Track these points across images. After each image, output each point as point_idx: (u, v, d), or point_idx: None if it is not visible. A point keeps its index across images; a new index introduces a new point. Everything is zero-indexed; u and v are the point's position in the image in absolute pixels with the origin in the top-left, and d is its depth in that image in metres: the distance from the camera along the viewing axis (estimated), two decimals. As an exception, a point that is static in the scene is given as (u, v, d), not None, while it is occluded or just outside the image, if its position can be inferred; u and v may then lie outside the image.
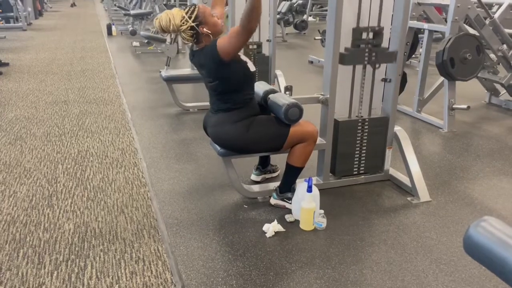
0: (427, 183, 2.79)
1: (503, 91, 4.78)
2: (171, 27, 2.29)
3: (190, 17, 2.29)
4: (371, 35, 2.65)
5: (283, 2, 10.49)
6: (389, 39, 2.73)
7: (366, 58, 2.65)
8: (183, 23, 2.29)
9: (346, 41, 2.62)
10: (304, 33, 10.76)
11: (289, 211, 2.49)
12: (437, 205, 2.63)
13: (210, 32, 2.32)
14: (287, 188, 2.55)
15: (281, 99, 2.46)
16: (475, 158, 3.35)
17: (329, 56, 2.59)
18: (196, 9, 2.30)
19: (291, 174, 2.53)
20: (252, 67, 2.40)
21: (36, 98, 4.82)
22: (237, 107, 2.38)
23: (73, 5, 18.72)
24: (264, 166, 2.92)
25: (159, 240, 2.24)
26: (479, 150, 3.52)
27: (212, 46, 2.27)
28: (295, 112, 2.38)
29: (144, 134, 3.77)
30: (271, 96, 2.56)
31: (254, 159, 2.91)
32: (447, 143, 3.69)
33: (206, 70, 2.37)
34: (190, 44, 2.42)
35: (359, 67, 2.74)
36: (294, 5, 10.41)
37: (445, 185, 2.90)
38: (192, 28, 2.30)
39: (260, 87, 2.68)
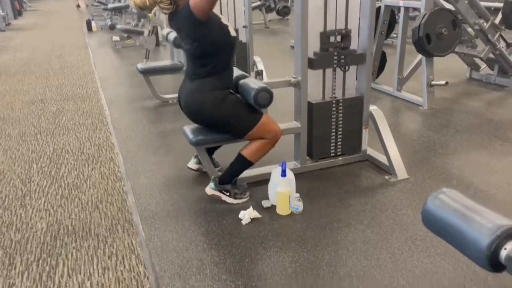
0: (405, 161, 2.77)
1: (483, 65, 4.77)
2: (147, 2, 2.18)
3: None
4: (338, 38, 2.64)
5: (264, -12, 10.37)
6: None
7: (335, 61, 2.65)
8: None
9: (314, 46, 2.63)
10: (287, 19, 10.65)
11: (261, 197, 2.45)
12: (414, 182, 2.62)
13: None
14: (228, 179, 2.46)
15: (251, 84, 2.42)
16: (454, 133, 3.34)
17: (299, 61, 2.58)
18: None
19: (240, 165, 2.44)
20: (233, 32, 2.31)
21: (12, 99, 4.73)
22: (215, 73, 2.28)
23: (78, 6, 17.32)
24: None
25: (133, 234, 2.20)
26: (459, 125, 3.50)
27: (186, 6, 2.14)
28: (265, 96, 2.34)
29: (121, 128, 3.72)
30: (241, 81, 2.51)
31: (230, 150, 2.85)
32: (426, 120, 3.67)
33: (184, 32, 2.26)
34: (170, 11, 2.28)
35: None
36: (275, -9, 10.28)
37: (424, 161, 2.89)
38: None
39: (230, 73, 2.63)
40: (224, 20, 2.31)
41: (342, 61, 2.66)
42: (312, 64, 2.62)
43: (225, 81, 2.35)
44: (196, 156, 2.79)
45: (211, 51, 2.26)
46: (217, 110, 2.31)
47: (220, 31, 2.26)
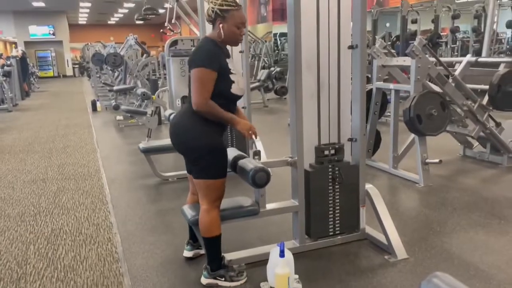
0: (404, 239, 2.77)
1: (476, 143, 4.90)
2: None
3: (221, 4, 2.21)
4: (332, 151, 2.79)
5: (262, 70, 10.94)
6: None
7: (330, 173, 2.76)
8: (215, 1, 2.22)
9: (310, 158, 2.76)
10: (285, 98, 11.09)
11: (264, 278, 2.42)
12: (414, 262, 2.60)
13: (221, 35, 2.25)
14: (217, 264, 2.40)
15: (249, 164, 2.50)
16: (451, 211, 3.36)
17: (294, 141, 2.68)
18: (234, 6, 2.22)
19: (210, 246, 2.38)
20: (237, 89, 2.30)
21: (14, 178, 4.80)
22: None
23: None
24: (195, 240, 2.70)
25: (128, 319, 2.15)
26: (455, 203, 3.53)
27: (194, 63, 2.21)
28: (262, 176, 2.41)
29: (121, 207, 3.74)
30: (239, 162, 2.59)
31: (230, 231, 2.84)
32: (423, 197, 3.71)
33: (189, 64, 2.29)
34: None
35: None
36: (273, 73, 10.82)
37: (422, 240, 2.88)
38: (214, 11, 2.22)
39: (229, 153, 2.72)
40: (234, 75, 2.30)
41: (337, 173, 2.77)
42: (308, 176, 2.71)
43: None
44: (188, 243, 2.75)
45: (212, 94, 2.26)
46: (200, 139, 2.27)
47: (222, 84, 2.25)
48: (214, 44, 2.29)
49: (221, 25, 2.25)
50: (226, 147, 2.43)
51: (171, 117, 4.29)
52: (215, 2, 2.24)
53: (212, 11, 2.25)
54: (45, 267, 2.73)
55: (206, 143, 2.29)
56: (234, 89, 2.31)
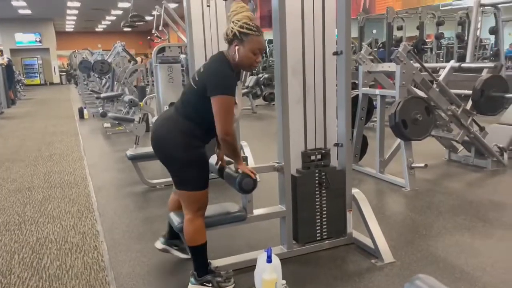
0: (391, 243, 2.79)
1: (461, 147, 4.97)
2: (234, 13, 2.17)
3: (241, 26, 2.15)
4: (319, 156, 2.80)
5: (250, 77, 10.97)
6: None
7: (317, 178, 2.77)
8: (236, 22, 2.16)
9: (296, 163, 2.77)
10: (273, 104, 11.13)
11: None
12: (401, 265, 2.62)
13: (236, 57, 2.19)
14: (203, 271, 2.40)
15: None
16: (437, 215, 3.40)
17: (281, 147, 2.69)
18: (254, 31, 2.17)
19: (196, 254, 2.38)
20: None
21: (-1, 187, 4.74)
22: (194, 121, 2.25)
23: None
24: (170, 237, 2.71)
25: (114, 328, 2.12)
26: (441, 206, 3.57)
27: (217, 88, 2.16)
28: (249, 182, 2.40)
29: (107, 215, 3.70)
30: (227, 168, 2.59)
31: (218, 238, 2.85)
32: (409, 201, 3.74)
33: (198, 76, 2.26)
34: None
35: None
36: (261, 79, 10.86)
37: (409, 244, 2.90)
38: (233, 32, 2.17)
39: (216, 159, 2.72)
40: (235, 105, 2.24)
41: (323, 177, 2.78)
42: (295, 181, 2.72)
43: (199, 132, 2.28)
44: (164, 236, 2.75)
45: (199, 112, 2.24)
46: (179, 152, 2.25)
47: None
48: (230, 67, 2.24)
49: (237, 47, 2.19)
50: (207, 158, 2.41)
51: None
52: (236, 23, 2.18)
53: (231, 32, 2.19)
54: (30, 276, 2.69)
55: (187, 155, 2.27)
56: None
